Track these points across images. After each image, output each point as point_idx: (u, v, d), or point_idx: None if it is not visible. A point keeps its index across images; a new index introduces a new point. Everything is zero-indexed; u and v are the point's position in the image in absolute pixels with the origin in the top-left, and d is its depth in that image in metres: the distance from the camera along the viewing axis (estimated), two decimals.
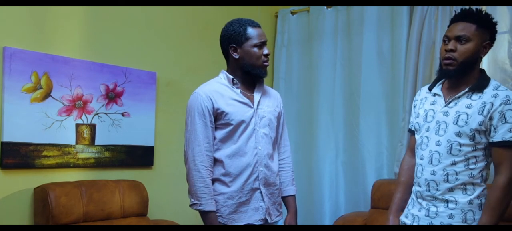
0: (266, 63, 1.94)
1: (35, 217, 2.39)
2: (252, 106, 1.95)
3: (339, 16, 3.35)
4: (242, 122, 1.91)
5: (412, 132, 1.96)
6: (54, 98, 2.51)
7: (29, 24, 2.44)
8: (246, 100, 1.95)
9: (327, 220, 3.30)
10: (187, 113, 1.94)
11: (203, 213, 1.88)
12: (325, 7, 3.41)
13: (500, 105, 1.67)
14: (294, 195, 2.10)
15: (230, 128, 1.90)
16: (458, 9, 2.78)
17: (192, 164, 1.88)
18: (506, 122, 1.66)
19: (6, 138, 2.33)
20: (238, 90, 1.95)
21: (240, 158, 1.90)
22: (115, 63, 2.76)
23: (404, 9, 3.00)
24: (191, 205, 1.90)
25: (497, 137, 1.68)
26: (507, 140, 1.67)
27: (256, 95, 1.98)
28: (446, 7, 2.83)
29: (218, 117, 1.91)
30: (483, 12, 1.77)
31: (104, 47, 2.73)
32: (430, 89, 1.89)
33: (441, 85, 1.85)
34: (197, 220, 2.14)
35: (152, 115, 2.93)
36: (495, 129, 1.68)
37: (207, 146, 1.89)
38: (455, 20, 1.79)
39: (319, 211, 3.35)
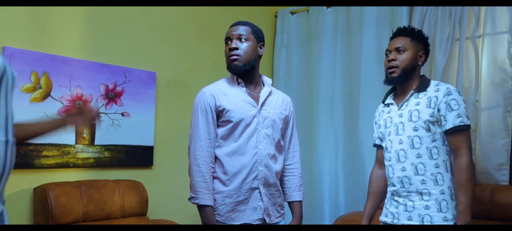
0: (231, 57, 1.95)
1: (35, 217, 2.39)
2: (256, 106, 1.97)
3: (339, 16, 3.35)
4: (243, 120, 1.92)
5: (377, 146, 2.18)
6: (54, 98, 2.51)
7: (29, 24, 2.44)
8: (250, 99, 1.97)
9: (327, 220, 3.31)
10: (192, 111, 2.00)
11: (200, 207, 1.90)
12: (324, 7, 3.41)
13: (444, 97, 1.90)
14: (300, 201, 2.09)
15: (231, 125, 1.92)
16: (457, 9, 2.79)
17: (193, 158, 1.93)
18: (452, 110, 1.88)
19: None
20: (243, 89, 1.98)
21: (239, 156, 1.92)
22: (115, 63, 2.76)
23: (404, 9, 3.00)
24: (189, 199, 1.93)
25: (448, 125, 1.89)
26: (457, 125, 1.87)
27: (262, 96, 2.00)
28: (445, 8, 2.84)
29: (220, 114, 1.94)
30: (416, 29, 2.08)
31: (104, 47, 2.73)
32: (383, 102, 2.11)
33: (392, 96, 2.11)
34: (197, 220, 2.14)
35: (151, 115, 2.93)
36: (445, 118, 1.89)
37: (208, 142, 1.92)
38: (393, 37, 2.10)
39: (319, 211, 3.35)
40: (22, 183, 2.41)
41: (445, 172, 1.91)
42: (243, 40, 1.96)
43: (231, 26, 2.01)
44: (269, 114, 1.99)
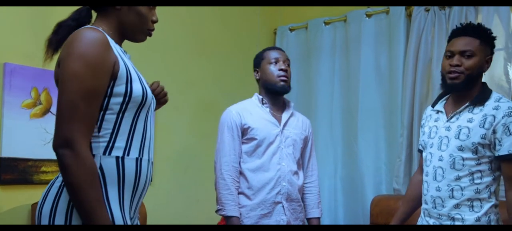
0: (282, 77, 2.08)
1: None
2: (279, 125, 2.10)
3: (337, 32, 3.38)
4: (266, 138, 2.05)
5: (420, 151, 1.96)
6: (54, 114, 2.51)
7: (29, 41, 2.46)
8: (273, 119, 2.10)
9: None
10: (219, 128, 2.12)
11: (227, 219, 2.00)
12: (323, 23, 3.45)
13: (503, 118, 1.64)
14: (318, 218, 2.21)
15: (255, 142, 2.04)
16: (454, 26, 2.82)
17: (219, 172, 2.04)
18: (510, 134, 1.63)
19: (5, 153, 2.33)
20: (267, 110, 2.12)
21: (264, 172, 2.03)
22: None
23: (401, 26, 3.03)
24: (217, 211, 2.03)
25: (503, 150, 1.65)
26: None
27: (284, 116, 2.13)
28: (442, 25, 2.87)
29: (245, 132, 2.06)
30: (487, 30, 1.78)
31: None
32: (433, 106, 1.90)
33: (444, 102, 1.86)
34: None
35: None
36: (500, 142, 1.65)
37: (234, 158, 2.04)
38: (457, 34, 1.78)
39: None
40: (20, 199, 2.40)
41: (486, 199, 1.68)
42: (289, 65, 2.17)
43: (277, 49, 2.19)
44: (290, 134, 2.11)
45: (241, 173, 2.04)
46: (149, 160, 1.34)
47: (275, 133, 2.07)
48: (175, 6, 3.10)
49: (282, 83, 2.08)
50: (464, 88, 1.74)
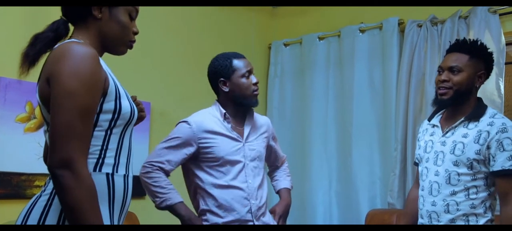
0: (256, 92, 1.97)
1: None
2: (241, 140, 1.97)
3: (331, 47, 3.41)
4: (229, 156, 1.92)
5: (416, 164, 1.97)
6: None
7: None
8: (235, 134, 1.97)
9: None
10: (170, 133, 1.99)
11: (174, 207, 1.88)
12: (317, 38, 3.48)
13: (497, 133, 1.65)
14: (287, 188, 2.13)
15: (218, 162, 1.92)
16: (446, 42, 2.85)
17: (145, 168, 1.94)
18: (504, 150, 1.64)
19: None
20: (229, 125, 1.97)
21: (231, 190, 1.91)
22: None
23: (394, 41, 3.07)
24: (157, 206, 1.92)
25: (496, 166, 1.65)
26: (507, 168, 1.64)
27: (246, 129, 2.00)
28: (435, 40, 2.91)
29: (205, 150, 1.93)
30: (478, 43, 1.80)
31: None
32: (429, 120, 1.91)
33: (440, 116, 1.86)
34: None
35: (145, 145, 2.93)
36: (493, 158, 1.65)
37: (167, 165, 1.93)
38: (449, 50, 1.82)
39: None
40: (14, 214, 2.37)
41: (482, 214, 1.68)
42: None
43: (244, 58, 2.04)
44: (253, 146, 1.99)
45: (207, 192, 1.91)
46: (132, 176, 1.32)
47: (237, 149, 1.93)
48: (171, 21, 3.13)
49: (255, 99, 1.97)
50: (453, 103, 1.77)
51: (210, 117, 1.98)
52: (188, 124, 1.96)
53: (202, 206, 1.94)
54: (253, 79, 1.98)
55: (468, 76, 1.74)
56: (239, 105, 1.98)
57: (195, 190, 1.99)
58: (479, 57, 1.78)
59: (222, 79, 1.98)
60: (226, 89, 1.97)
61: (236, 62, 1.98)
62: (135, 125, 1.36)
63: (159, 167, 1.93)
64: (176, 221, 2.04)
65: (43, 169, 2.49)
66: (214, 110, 2.02)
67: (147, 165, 1.94)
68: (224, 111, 1.98)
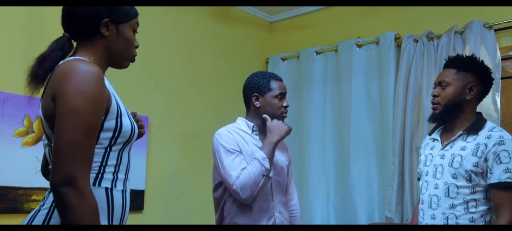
0: (284, 114, 2.08)
1: None
2: None
3: (328, 62, 3.44)
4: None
5: (419, 179, 1.98)
6: None
7: (23, 69, 2.45)
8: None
9: None
10: (214, 151, 1.98)
11: (266, 154, 1.92)
12: (314, 53, 3.51)
13: (494, 146, 1.67)
14: None
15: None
16: (442, 57, 2.88)
17: (236, 181, 1.89)
18: (501, 162, 1.65)
19: None
20: (257, 137, 2.05)
21: (259, 203, 1.95)
22: None
23: (391, 56, 3.09)
24: (264, 175, 1.89)
25: (493, 179, 1.66)
26: (503, 181, 1.64)
27: None
28: (431, 55, 2.93)
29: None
30: (465, 56, 1.84)
31: None
32: (430, 134, 1.94)
33: (441, 130, 1.89)
34: None
35: (143, 158, 2.93)
36: (491, 170, 1.66)
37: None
38: (444, 67, 1.88)
39: None
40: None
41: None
42: None
43: (281, 81, 2.13)
44: (278, 162, 2.07)
45: (238, 202, 1.94)
46: (129, 192, 1.33)
47: None
48: (169, 35, 3.15)
49: (282, 120, 2.09)
50: (444, 117, 1.81)
51: (237, 130, 2.04)
52: (227, 131, 2.00)
53: (226, 214, 1.98)
54: (285, 102, 2.08)
55: (455, 90, 1.79)
56: (264, 123, 2.05)
57: (222, 200, 2.02)
58: (467, 70, 1.81)
59: (256, 94, 2.06)
60: (257, 104, 2.06)
61: (273, 83, 2.07)
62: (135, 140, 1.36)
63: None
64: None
65: (41, 183, 2.49)
66: (239, 124, 2.08)
67: (233, 183, 1.90)
68: (252, 124, 2.05)
